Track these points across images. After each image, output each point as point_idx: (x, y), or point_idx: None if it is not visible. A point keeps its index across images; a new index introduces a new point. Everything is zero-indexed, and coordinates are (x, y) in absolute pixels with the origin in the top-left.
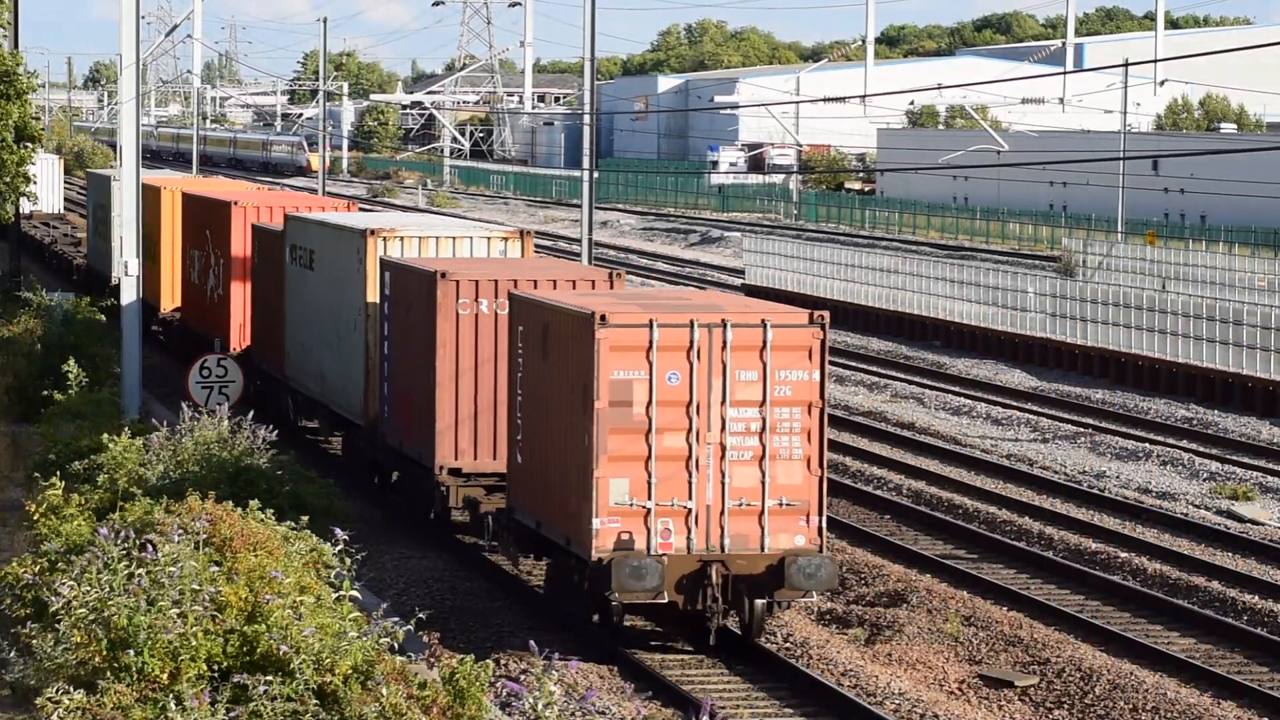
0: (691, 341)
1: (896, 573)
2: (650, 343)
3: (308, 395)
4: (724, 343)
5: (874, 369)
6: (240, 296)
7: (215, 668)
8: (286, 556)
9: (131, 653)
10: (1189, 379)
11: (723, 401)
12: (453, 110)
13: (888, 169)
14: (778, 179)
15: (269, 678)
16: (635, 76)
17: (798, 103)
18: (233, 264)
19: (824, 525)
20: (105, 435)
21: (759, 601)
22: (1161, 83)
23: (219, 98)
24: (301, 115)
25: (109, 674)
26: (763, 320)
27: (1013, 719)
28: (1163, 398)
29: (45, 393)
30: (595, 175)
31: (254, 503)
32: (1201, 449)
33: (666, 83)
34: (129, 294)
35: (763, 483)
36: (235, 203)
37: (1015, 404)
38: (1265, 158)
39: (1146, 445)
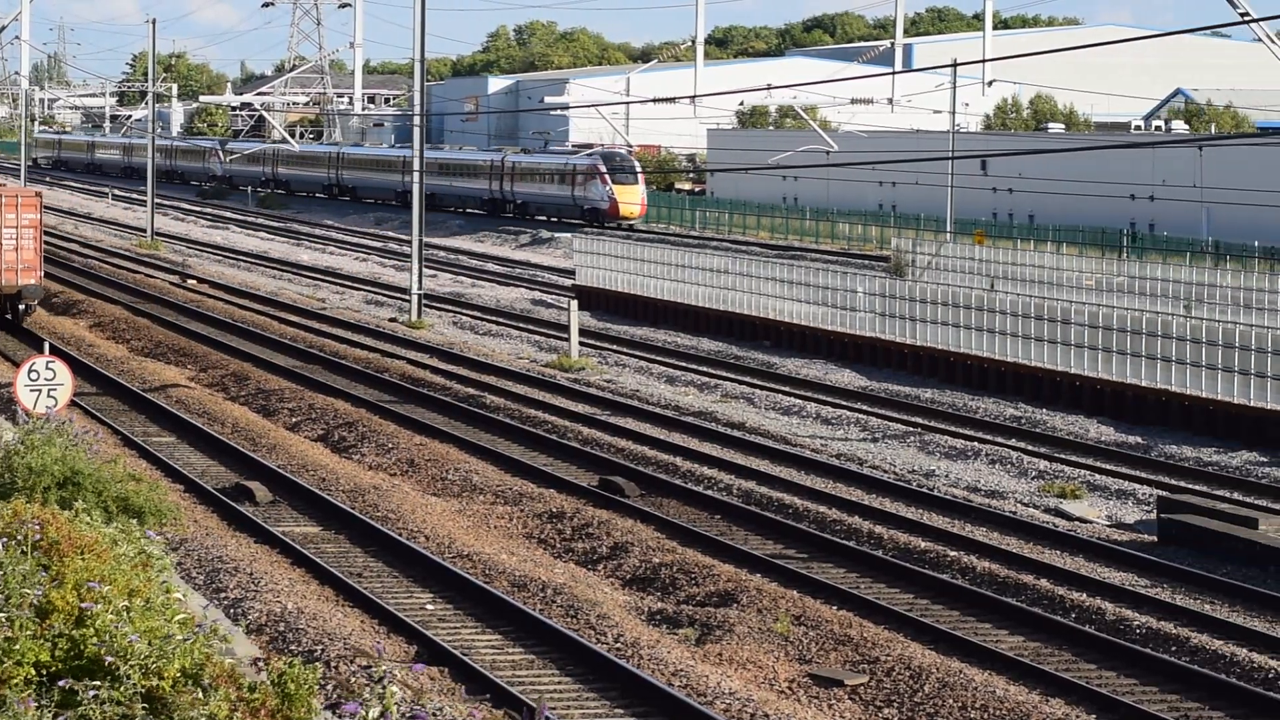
0: None
1: (727, 572)
2: None
3: None
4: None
5: (704, 369)
6: None
7: (44, 673)
8: (115, 559)
9: None
10: (1018, 378)
11: (2, 225)
12: (282, 111)
13: (718, 169)
14: None
15: (97, 682)
16: (465, 77)
17: (628, 103)
18: None
19: (42, 274)
20: None
21: (19, 306)
22: (990, 83)
23: (48, 99)
24: (130, 117)
25: None
26: (17, 195)
27: (842, 718)
28: (991, 397)
29: None
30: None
31: (79, 504)
32: (1030, 447)
33: (497, 83)
34: None
35: (17, 257)
36: None
37: (845, 403)
38: (1093, 157)
39: (975, 444)
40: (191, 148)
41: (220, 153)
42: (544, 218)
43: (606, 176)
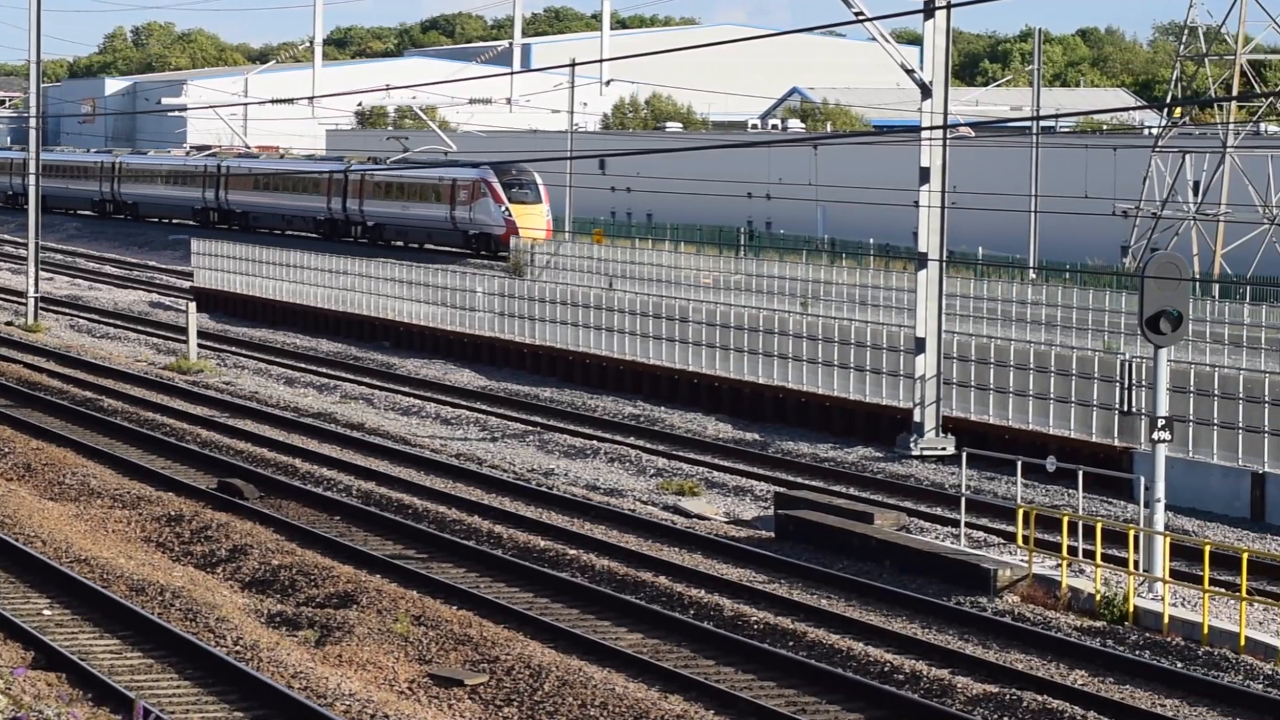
0: None
1: (346, 574)
2: None
3: None
4: None
5: (323, 370)
6: None
7: None
8: None
9: None
10: (636, 376)
11: None
12: None
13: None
14: None
15: None
16: (82, 79)
17: (245, 104)
18: None
19: None
20: None
21: None
22: (608, 83)
23: None
24: None
25: None
26: None
27: (462, 717)
28: (611, 395)
29: None
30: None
31: None
32: (649, 445)
33: (114, 85)
34: None
35: None
36: None
37: (464, 403)
38: (710, 156)
39: (594, 442)
40: None
41: None
42: (403, 244)
43: (500, 193)
